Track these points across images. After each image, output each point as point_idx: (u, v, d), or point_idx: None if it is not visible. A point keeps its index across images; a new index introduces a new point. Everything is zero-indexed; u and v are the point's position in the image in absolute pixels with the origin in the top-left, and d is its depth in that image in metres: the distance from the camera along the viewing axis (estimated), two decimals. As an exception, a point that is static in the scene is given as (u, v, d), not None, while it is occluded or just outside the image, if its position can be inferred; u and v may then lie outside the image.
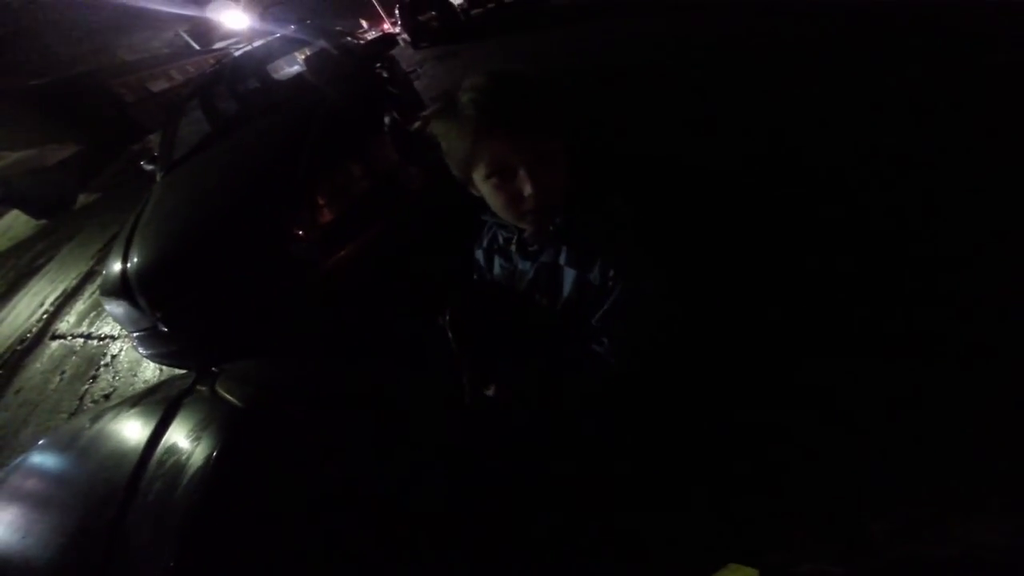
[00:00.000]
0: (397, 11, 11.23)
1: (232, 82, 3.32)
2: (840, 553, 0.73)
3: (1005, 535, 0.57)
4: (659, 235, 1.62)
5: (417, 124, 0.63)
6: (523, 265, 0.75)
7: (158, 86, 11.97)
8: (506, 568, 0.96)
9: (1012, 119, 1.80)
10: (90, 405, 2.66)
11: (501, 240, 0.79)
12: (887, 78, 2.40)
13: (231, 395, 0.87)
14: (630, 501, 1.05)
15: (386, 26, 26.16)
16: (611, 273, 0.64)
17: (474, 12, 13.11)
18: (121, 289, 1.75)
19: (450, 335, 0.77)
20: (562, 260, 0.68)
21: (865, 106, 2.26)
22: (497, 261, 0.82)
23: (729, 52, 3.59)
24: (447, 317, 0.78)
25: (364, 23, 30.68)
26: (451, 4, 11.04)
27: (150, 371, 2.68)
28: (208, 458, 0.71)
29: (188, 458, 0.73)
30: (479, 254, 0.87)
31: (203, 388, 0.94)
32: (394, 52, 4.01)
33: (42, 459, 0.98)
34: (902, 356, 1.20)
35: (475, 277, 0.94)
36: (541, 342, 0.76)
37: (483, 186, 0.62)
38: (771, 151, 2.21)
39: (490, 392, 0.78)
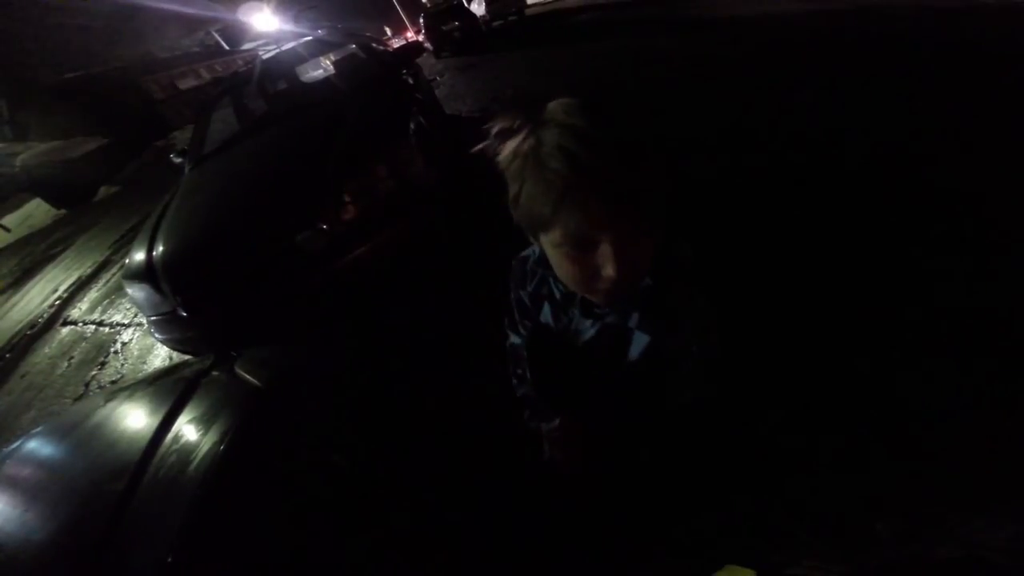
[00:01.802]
0: (421, 20, 11.47)
1: (262, 82, 3.40)
2: (841, 553, 0.72)
3: (1008, 537, 0.56)
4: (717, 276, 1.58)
5: (479, 148, 0.49)
6: (581, 324, 0.66)
7: (187, 84, 12.22)
8: (508, 565, 0.95)
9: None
10: (96, 391, 2.66)
11: (557, 295, 0.67)
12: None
13: (250, 376, 0.87)
14: (629, 501, 1.03)
15: (409, 34, 26.86)
16: (689, 335, 0.58)
17: (495, 24, 13.37)
18: (145, 273, 1.78)
19: (527, 367, 0.73)
20: (632, 323, 0.60)
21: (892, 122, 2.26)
22: (547, 308, 0.71)
23: (741, 68, 3.65)
24: (526, 351, 0.73)
25: (388, 30, 31.58)
26: (474, 16, 11.24)
27: (160, 359, 2.68)
28: (224, 434, 0.71)
29: (204, 434, 0.72)
30: (523, 296, 0.75)
31: (221, 369, 0.94)
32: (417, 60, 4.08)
33: (52, 436, 0.97)
34: (904, 357, 1.20)
35: (518, 318, 0.82)
36: (607, 391, 0.70)
37: (551, 251, 0.49)
38: (790, 161, 2.23)
39: (553, 426, 0.73)
